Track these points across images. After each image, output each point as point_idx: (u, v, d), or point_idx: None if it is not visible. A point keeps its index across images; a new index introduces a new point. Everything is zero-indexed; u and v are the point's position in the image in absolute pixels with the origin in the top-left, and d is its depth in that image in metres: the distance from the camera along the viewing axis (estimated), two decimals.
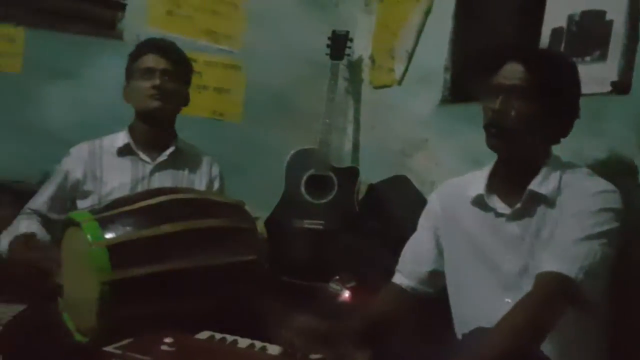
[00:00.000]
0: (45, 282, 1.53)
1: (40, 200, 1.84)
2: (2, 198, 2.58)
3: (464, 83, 2.39)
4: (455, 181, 1.54)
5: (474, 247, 1.41)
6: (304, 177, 2.72)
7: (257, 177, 2.83)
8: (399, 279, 1.52)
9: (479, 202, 1.40)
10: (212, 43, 2.93)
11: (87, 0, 2.87)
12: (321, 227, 2.63)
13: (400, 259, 1.54)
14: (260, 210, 2.52)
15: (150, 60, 1.82)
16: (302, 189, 2.71)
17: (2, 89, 2.68)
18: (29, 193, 2.46)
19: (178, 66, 1.85)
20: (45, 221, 1.81)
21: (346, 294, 2.18)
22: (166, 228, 1.41)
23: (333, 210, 2.66)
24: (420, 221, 1.55)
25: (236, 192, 1.87)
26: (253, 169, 2.87)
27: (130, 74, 1.86)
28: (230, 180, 2.08)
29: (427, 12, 2.61)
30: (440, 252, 1.50)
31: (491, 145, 1.35)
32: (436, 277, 1.50)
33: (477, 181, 1.42)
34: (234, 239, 1.49)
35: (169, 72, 1.81)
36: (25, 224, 1.76)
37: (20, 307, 1.66)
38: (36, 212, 1.82)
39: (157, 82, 1.78)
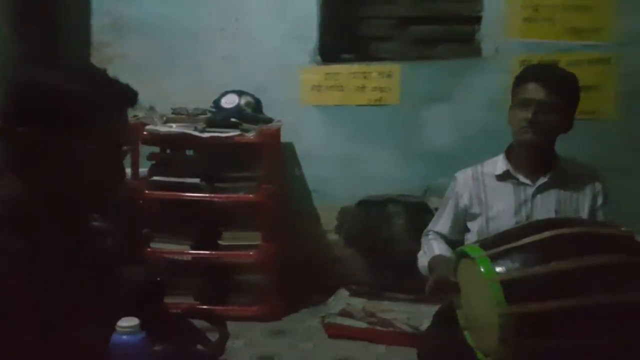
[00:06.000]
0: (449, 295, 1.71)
1: (443, 224, 2.03)
2: (394, 209, 3.02)
3: None
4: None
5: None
6: None
7: None
8: None
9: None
10: (576, 40, 2.82)
11: (447, 23, 3.09)
12: None
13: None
14: None
15: (529, 91, 1.81)
16: None
17: (386, 118, 3.09)
18: (414, 205, 2.88)
19: (558, 96, 1.79)
20: (447, 242, 2.00)
21: None
22: (556, 266, 1.45)
23: None
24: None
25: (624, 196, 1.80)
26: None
27: (512, 97, 1.89)
28: (614, 183, 1.95)
29: None
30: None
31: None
32: None
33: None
34: (628, 275, 1.45)
35: (546, 104, 1.78)
36: (437, 246, 1.97)
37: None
38: (439, 234, 2.03)
39: (529, 116, 1.79)
